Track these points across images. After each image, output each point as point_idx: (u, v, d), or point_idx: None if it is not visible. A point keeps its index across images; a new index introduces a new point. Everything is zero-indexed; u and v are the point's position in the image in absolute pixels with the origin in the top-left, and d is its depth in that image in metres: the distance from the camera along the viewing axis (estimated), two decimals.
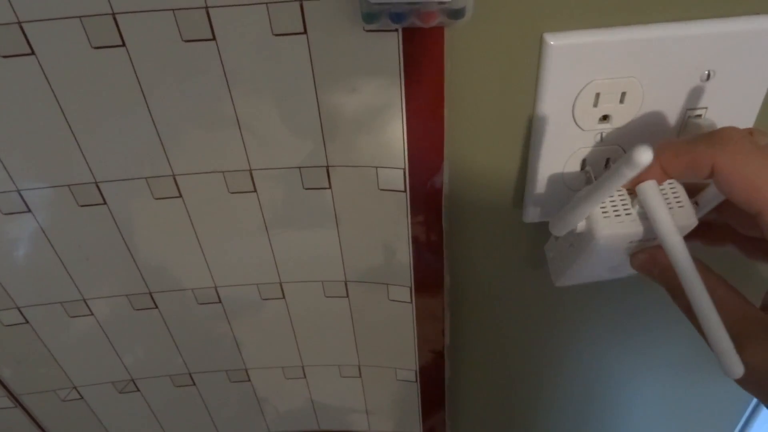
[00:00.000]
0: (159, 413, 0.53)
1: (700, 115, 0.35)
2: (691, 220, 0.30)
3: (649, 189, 0.29)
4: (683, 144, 0.28)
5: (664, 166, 0.28)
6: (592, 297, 0.46)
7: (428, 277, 0.41)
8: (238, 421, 0.55)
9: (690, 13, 0.32)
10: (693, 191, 0.30)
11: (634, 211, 0.30)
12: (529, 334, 0.48)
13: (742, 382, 0.27)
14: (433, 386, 0.49)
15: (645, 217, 0.29)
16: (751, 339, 0.26)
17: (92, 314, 0.44)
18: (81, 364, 0.48)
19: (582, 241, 0.32)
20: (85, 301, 0.43)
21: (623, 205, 0.30)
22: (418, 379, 0.49)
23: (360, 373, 0.50)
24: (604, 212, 0.30)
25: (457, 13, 0.29)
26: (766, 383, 0.26)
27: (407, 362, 0.48)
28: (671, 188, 0.30)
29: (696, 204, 0.30)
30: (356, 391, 0.52)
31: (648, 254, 0.31)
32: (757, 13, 0.32)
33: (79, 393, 0.50)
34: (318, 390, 0.52)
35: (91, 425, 0.53)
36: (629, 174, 0.26)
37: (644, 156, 0.24)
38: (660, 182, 0.29)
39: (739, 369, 0.26)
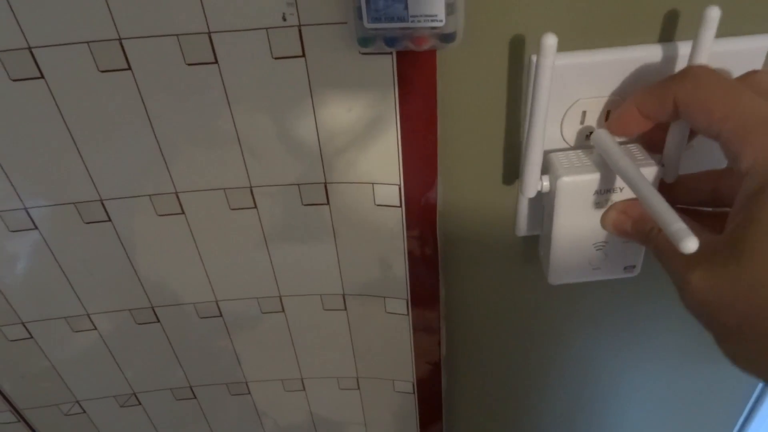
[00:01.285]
0: (160, 426, 0.54)
1: None
2: (651, 168, 0.33)
3: (603, 134, 0.33)
4: (655, 84, 0.30)
5: (639, 106, 0.31)
6: (587, 306, 0.47)
7: (424, 289, 0.42)
8: None
9: (668, 35, 0.33)
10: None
11: (590, 160, 0.34)
12: (525, 344, 0.49)
13: (687, 304, 0.28)
14: (430, 397, 0.50)
15: (603, 164, 0.33)
16: (698, 263, 0.27)
17: (95, 329, 0.45)
18: (84, 378, 0.49)
19: (550, 199, 0.35)
20: (88, 315, 0.44)
21: (579, 158, 0.35)
22: (416, 390, 0.50)
23: (358, 385, 0.51)
24: (565, 167, 0.34)
25: (448, 37, 0.30)
26: (706, 304, 0.26)
27: (404, 374, 0.49)
28: (631, 147, 0.34)
29: (662, 165, 0.34)
30: (354, 404, 0.53)
31: (616, 209, 0.34)
32: (731, 35, 0.33)
33: (81, 407, 0.51)
34: (317, 402, 0.53)
35: None
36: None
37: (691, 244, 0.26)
38: (641, 128, 0.32)
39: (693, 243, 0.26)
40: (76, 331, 0.45)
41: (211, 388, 0.51)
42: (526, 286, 0.44)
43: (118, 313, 0.45)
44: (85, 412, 0.52)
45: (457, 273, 0.44)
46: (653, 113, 0.30)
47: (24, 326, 0.44)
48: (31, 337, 0.45)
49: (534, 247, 0.42)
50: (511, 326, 0.47)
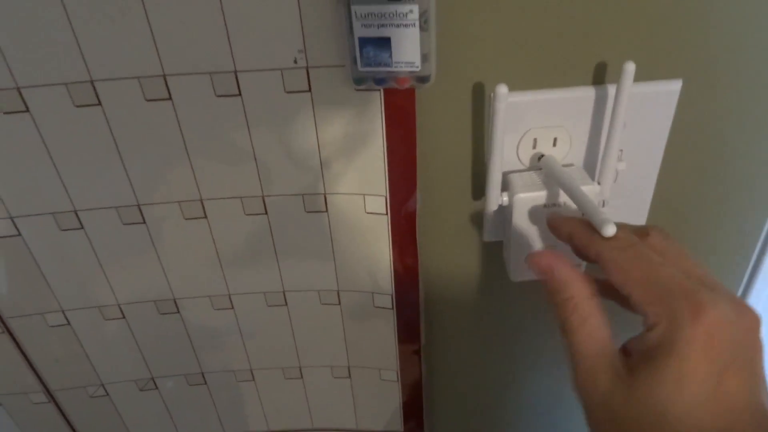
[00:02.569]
0: (173, 409, 0.61)
1: (618, 155, 0.45)
2: (589, 186, 0.41)
3: (550, 159, 0.43)
4: (586, 229, 0.35)
5: (571, 235, 0.36)
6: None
7: (406, 285, 0.50)
8: (240, 418, 0.63)
9: (600, 78, 0.42)
10: None
11: (540, 179, 0.43)
12: (497, 336, 0.57)
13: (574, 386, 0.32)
14: (412, 384, 0.58)
15: (549, 183, 0.42)
16: (600, 372, 0.30)
17: (124, 317, 0.53)
18: (109, 362, 0.56)
19: (509, 212, 0.43)
20: (119, 306, 0.52)
21: (532, 178, 0.43)
22: (399, 378, 0.57)
23: (349, 374, 0.59)
24: (519, 185, 0.42)
25: (424, 79, 0.38)
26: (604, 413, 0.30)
27: (389, 363, 0.56)
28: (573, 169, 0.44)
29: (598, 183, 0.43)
30: (346, 391, 0.60)
31: (552, 215, 0.39)
32: (661, 79, 0.42)
33: (105, 390, 0.58)
34: (312, 390, 0.60)
35: (113, 421, 0.61)
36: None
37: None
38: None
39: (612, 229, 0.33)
40: (108, 319, 0.53)
41: (220, 375, 0.58)
42: (493, 283, 0.52)
43: (145, 304, 0.52)
44: (108, 394, 0.59)
45: (436, 271, 0.51)
46: (579, 247, 0.35)
47: (63, 313, 0.52)
48: (68, 323, 0.53)
49: (499, 250, 0.50)
50: (483, 319, 0.55)
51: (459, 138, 0.44)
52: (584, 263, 0.45)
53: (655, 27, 0.40)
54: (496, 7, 0.39)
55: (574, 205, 0.42)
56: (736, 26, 0.40)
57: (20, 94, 0.40)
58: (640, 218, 0.48)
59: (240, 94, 0.41)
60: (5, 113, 0.41)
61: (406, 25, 0.36)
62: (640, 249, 0.32)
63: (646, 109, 0.43)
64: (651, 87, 0.42)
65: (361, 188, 0.45)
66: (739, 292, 0.54)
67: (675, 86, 0.42)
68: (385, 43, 0.37)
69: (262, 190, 0.46)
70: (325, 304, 0.53)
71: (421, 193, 0.46)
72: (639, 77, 0.41)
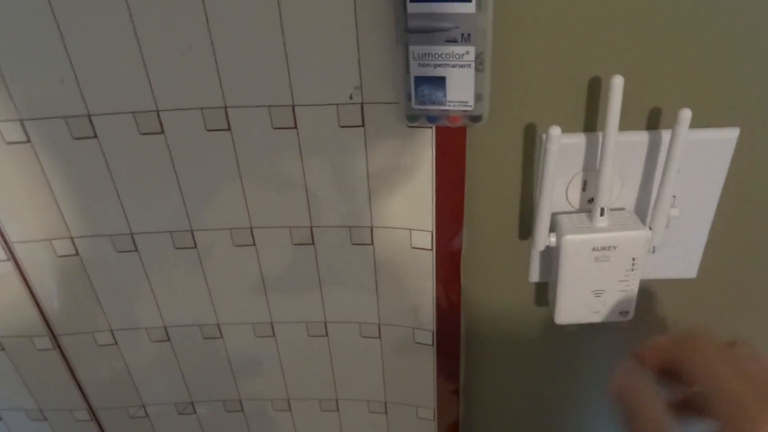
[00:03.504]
0: None
1: (671, 201, 0.44)
2: (641, 232, 0.42)
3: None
4: (665, 347, 0.34)
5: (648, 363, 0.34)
6: (592, 345, 0.53)
7: (448, 322, 0.50)
8: None
9: (653, 124, 0.42)
10: None
11: (590, 222, 0.42)
12: (537, 378, 0.55)
13: None
14: (449, 424, 0.57)
15: (603, 230, 0.41)
16: None
17: (169, 340, 0.54)
18: (152, 384, 0.57)
19: (557, 252, 0.42)
20: (165, 328, 0.53)
21: (581, 220, 0.43)
22: (436, 417, 0.56)
23: (386, 410, 0.58)
24: (568, 227, 0.42)
25: (476, 118, 0.39)
26: None
27: (427, 401, 0.56)
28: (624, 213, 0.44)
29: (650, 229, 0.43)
30: (381, 427, 0.60)
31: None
32: (718, 126, 0.41)
33: (145, 411, 0.59)
34: (348, 424, 0.60)
35: None
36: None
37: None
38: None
39: None
40: (153, 341, 0.54)
41: (256, 403, 0.59)
42: (537, 325, 0.51)
43: (189, 328, 0.53)
44: (147, 416, 0.60)
45: (479, 310, 0.51)
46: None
47: (112, 333, 0.53)
48: (116, 343, 0.54)
49: (545, 291, 0.50)
50: (525, 361, 0.54)
51: (508, 177, 0.45)
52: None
53: (713, 74, 0.40)
54: (552, 51, 0.39)
55: (621, 251, 0.42)
56: None
57: (90, 120, 0.42)
58: (691, 268, 0.47)
59: (296, 127, 0.42)
60: (75, 138, 0.43)
61: (461, 66, 0.37)
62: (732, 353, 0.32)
63: (702, 156, 0.42)
64: (707, 134, 0.41)
65: (408, 223, 0.46)
66: None
67: (732, 134, 0.41)
68: (440, 82, 0.37)
69: (311, 221, 0.47)
70: (366, 337, 0.53)
71: (468, 230, 0.46)
72: (695, 123, 0.41)
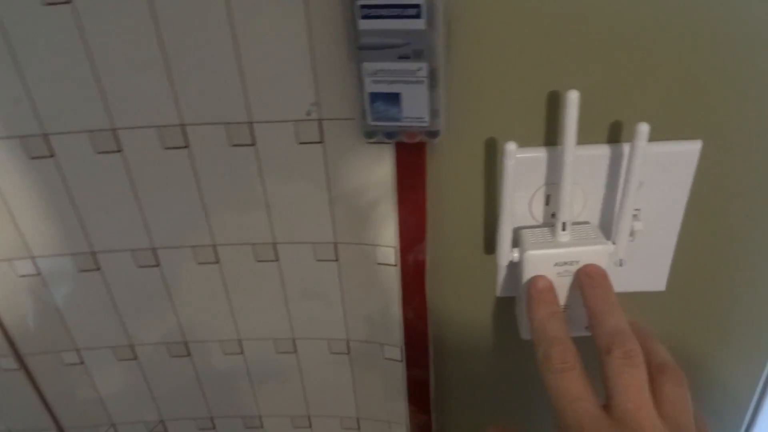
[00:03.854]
0: None
1: (635, 215, 0.44)
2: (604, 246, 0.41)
3: None
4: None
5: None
6: None
7: (416, 338, 0.49)
8: None
9: (615, 137, 0.41)
10: None
11: (553, 236, 0.42)
12: (507, 392, 0.55)
13: None
14: None
15: (565, 245, 0.41)
16: None
17: (136, 358, 0.53)
18: (121, 403, 0.56)
19: (520, 268, 0.42)
20: (132, 346, 0.52)
21: (544, 234, 0.42)
22: (409, 431, 0.56)
23: (358, 426, 0.57)
24: (531, 242, 0.42)
25: (433, 134, 0.39)
26: None
27: (399, 416, 0.55)
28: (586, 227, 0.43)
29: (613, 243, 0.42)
30: None
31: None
32: (681, 139, 0.41)
33: (115, 430, 0.58)
34: None
35: None
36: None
37: None
38: None
39: None
40: (120, 360, 0.53)
41: (229, 420, 0.58)
42: (507, 339, 0.51)
43: (156, 346, 0.52)
44: None
45: (448, 325, 0.50)
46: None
47: (78, 353, 0.53)
48: (83, 363, 0.53)
49: (513, 306, 0.49)
50: (496, 374, 0.54)
51: (472, 192, 0.44)
52: None
53: (674, 87, 0.39)
54: (512, 65, 0.39)
55: (587, 262, 0.41)
56: (757, 86, 0.39)
57: (47, 140, 0.42)
58: (660, 281, 0.47)
59: (254, 144, 0.42)
60: (32, 158, 0.42)
61: (415, 82, 0.36)
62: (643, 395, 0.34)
63: (665, 169, 0.42)
64: (670, 147, 0.41)
65: (371, 239, 0.45)
66: None
67: (694, 147, 0.41)
68: (394, 98, 0.37)
69: (274, 238, 0.46)
70: (335, 353, 0.52)
71: (434, 245, 0.46)
72: (658, 136, 0.41)
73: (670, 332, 0.50)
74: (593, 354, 0.37)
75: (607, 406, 0.35)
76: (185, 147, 0.42)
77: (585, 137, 0.41)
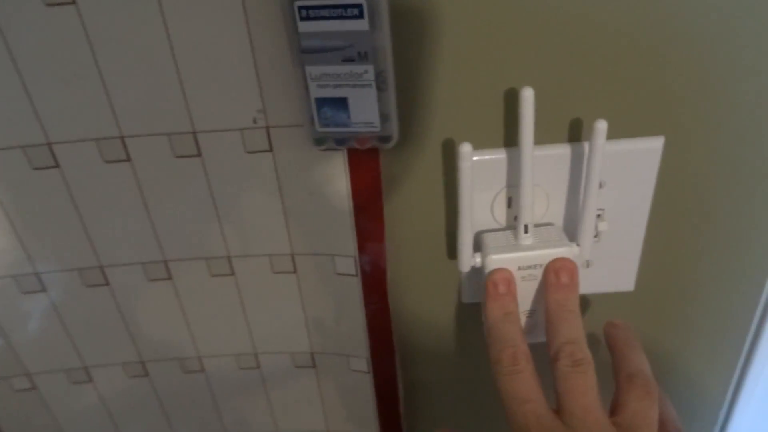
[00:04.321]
0: None
1: (599, 215, 0.42)
2: (567, 248, 0.40)
3: None
4: None
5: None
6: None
7: (381, 348, 0.47)
8: None
9: (576, 136, 0.40)
10: None
11: (516, 240, 0.40)
12: (478, 397, 0.53)
13: None
14: None
15: (528, 248, 0.39)
16: None
17: (91, 381, 0.51)
18: (79, 424, 0.54)
19: (483, 273, 0.40)
20: (86, 369, 0.50)
21: (507, 238, 0.41)
22: None
23: None
24: (492, 246, 0.40)
25: (385, 139, 0.37)
26: None
27: (369, 427, 0.53)
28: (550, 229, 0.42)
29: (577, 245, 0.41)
30: None
31: None
32: (643, 136, 0.39)
33: None
34: None
35: None
36: None
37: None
38: None
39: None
40: (74, 383, 0.51)
41: None
42: (475, 345, 0.49)
43: (112, 367, 0.50)
44: None
45: (414, 333, 0.49)
46: None
47: (29, 377, 0.50)
48: (35, 388, 0.51)
49: (479, 311, 0.48)
50: (465, 381, 0.52)
51: (432, 197, 0.42)
52: None
53: (634, 83, 0.38)
54: (466, 65, 0.37)
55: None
56: (717, 80, 0.38)
57: None
58: (628, 281, 0.46)
59: (200, 155, 0.40)
60: None
61: (362, 86, 0.34)
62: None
63: (628, 167, 0.40)
64: (631, 144, 0.40)
65: (330, 249, 0.43)
66: (741, 358, 0.50)
67: (657, 143, 0.40)
68: (341, 103, 0.35)
69: (228, 251, 0.44)
70: (300, 366, 0.51)
71: (396, 253, 0.44)
72: (619, 134, 0.39)
73: (641, 332, 0.49)
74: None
75: (556, 411, 0.34)
76: (127, 160, 0.40)
77: (545, 137, 0.40)
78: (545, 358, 0.36)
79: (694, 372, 0.52)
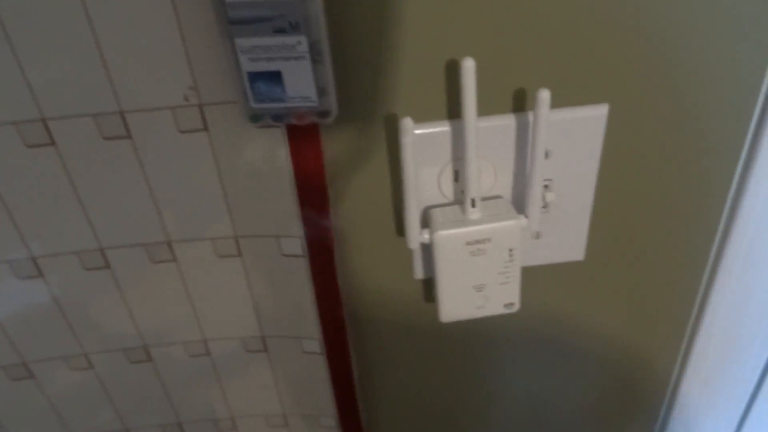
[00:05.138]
0: None
1: (547, 186, 0.42)
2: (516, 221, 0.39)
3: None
4: None
5: None
6: (486, 336, 0.51)
7: (333, 329, 0.46)
8: None
9: (528, 105, 0.39)
10: None
11: (464, 214, 0.39)
12: (435, 373, 0.53)
13: None
14: (352, 428, 0.54)
15: (475, 222, 0.39)
16: None
17: (33, 377, 0.49)
18: (21, 421, 0.52)
19: (432, 250, 0.39)
20: (25, 364, 0.48)
21: (455, 213, 0.40)
22: (339, 424, 0.54)
23: (286, 422, 0.55)
24: (440, 222, 0.39)
25: (324, 114, 0.35)
26: None
27: (327, 409, 0.53)
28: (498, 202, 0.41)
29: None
30: None
31: None
32: (587, 104, 0.39)
33: None
34: None
35: None
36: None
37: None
38: None
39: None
40: (13, 380, 0.49)
41: (148, 430, 0.54)
42: (430, 321, 0.49)
43: (53, 361, 0.48)
44: None
45: (368, 312, 0.48)
46: None
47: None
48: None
49: (432, 287, 0.47)
50: (423, 357, 0.52)
51: (377, 173, 0.41)
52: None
53: (576, 50, 0.37)
54: (404, 35, 0.36)
55: (496, 243, 0.39)
56: (658, 45, 0.37)
57: None
58: (578, 250, 0.46)
59: (130, 136, 0.37)
60: None
61: (296, 58, 0.33)
62: None
63: (573, 135, 0.40)
64: (576, 113, 0.39)
65: (274, 230, 0.42)
66: (692, 316, 0.51)
67: (601, 111, 0.39)
68: (275, 77, 0.33)
69: (168, 236, 0.42)
70: (251, 351, 0.49)
71: (346, 231, 0.43)
72: (565, 102, 0.39)
73: (591, 302, 0.50)
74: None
75: None
76: (50, 144, 0.37)
77: (490, 108, 0.39)
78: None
79: (643, 341, 0.52)
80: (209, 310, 0.46)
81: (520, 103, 0.39)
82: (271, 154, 0.38)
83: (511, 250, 0.40)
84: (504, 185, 0.42)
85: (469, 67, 0.34)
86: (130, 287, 0.45)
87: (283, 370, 0.51)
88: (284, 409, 0.54)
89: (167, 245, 0.43)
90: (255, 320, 0.47)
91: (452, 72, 0.37)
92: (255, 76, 0.33)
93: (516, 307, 0.43)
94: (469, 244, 0.39)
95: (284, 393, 0.52)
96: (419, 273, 0.45)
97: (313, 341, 0.48)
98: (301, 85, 0.34)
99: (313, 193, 0.40)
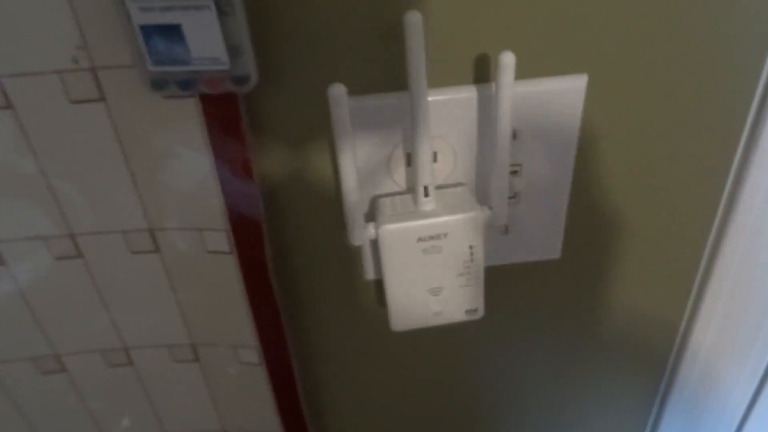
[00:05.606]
0: None
1: (516, 172, 0.36)
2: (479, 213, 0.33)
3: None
4: None
5: None
6: (438, 348, 0.45)
7: (271, 335, 0.40)
8: None
9: (484, 77, 0.33)
10: None
11: (418, 205, 0.33)
12: (389, 382, 0.47)
13: None
14: None
15: (428, 215, 0.33)
16: None
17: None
18: None
19: (379, 246, 0.33)
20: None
21: (405, 203, 0.34)
22: None
23: None
24: (388, 214, 0.33)
25: (241, 80, 0.29)
26: None
27: (270, 423, 0.46)
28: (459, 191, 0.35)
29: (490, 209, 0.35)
30: None
31: None
32: (558, 74, 0.33)
33: None
34: None
35: None
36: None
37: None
38: None
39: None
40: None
41: None
42: (379, 328, 0.43)
43: None
44: None
45: (311, 319, 0.42)
46: None
47: None
48: None
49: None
50: (375, 366, 0.46)
51: (315, 154, 0.35)
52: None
53: (550, 12, 0.31)
54: None
55: (454, 239, 0.33)
56: (639, 7, 0.31)
57: None
58: (554, 247, 0.39)
59: (11, 107, 0.31)
60: None
61: (197, 7, 0.26)
62: None
63: (548, 111, 0.34)
64: (550, 84, 0.33)
65: (195, 222, 0.36)
66: (681, 327, 0.46)
67: (579, 82, 0.33)
68: (175, 32, 0.27)
69: (70, 228, 0.36)
70: (180, 361, 0.43)
71: (281, 226, 0.37)
72: (536, 73, 0.32)
73: (567, 307, 0.44)
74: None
75: None
76: None
77: (447, 78, 0.33)
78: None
79: (629, 351, 0.47)
80: (127, 314, 0.40)
81: (484, 73, 0.33)
82: (183, 131, 0.32)
83: (471, 247, 0.34)
84: (466, 171, 0.35)
85: (415, 22, 0.27)
86: (32, 287, 0.38)
87: (218, 382, 0.44)
88: (224, 425, 0.47)
89: (70, 238, 0.36)
90: (182, 326, 0.41)
91: (398, 32, 0.31)
92: (150, 31, 0.27)
93: (480, 314, 0.37)
94: (421, 240, 0.33)
95: (222, 407, 0.46)
96: (370, 273, 0.39)
97: (250, 350, 0.41)
98: (207, 43, 0.27)
99: (236, 178, 0.33)
